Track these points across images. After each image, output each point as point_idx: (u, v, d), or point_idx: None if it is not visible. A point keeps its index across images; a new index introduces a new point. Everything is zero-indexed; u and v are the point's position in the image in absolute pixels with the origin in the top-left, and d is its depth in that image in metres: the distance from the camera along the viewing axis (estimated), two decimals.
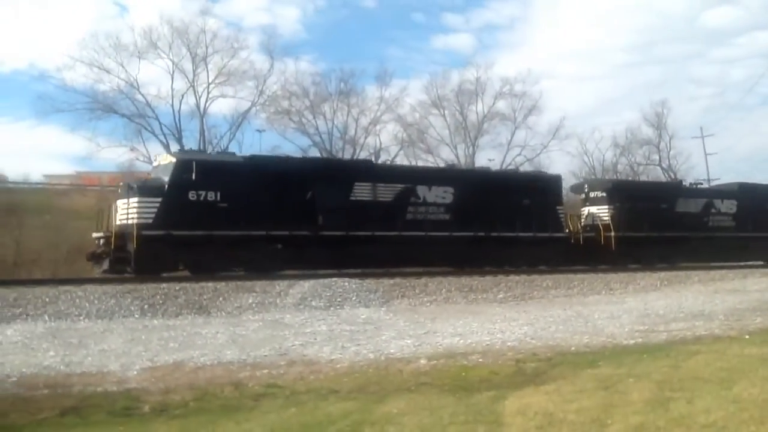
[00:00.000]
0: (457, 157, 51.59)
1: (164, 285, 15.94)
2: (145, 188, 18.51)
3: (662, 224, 26.51)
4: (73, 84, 42.00)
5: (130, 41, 43.34)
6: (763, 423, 5.59)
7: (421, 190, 22.09)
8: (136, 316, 14.20)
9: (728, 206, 29.83)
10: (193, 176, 18.33)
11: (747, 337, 11.22)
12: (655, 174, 61.75)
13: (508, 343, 10.95)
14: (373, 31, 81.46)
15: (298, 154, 40.74)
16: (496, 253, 22.82)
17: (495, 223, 22.57)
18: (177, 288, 15.78)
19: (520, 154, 53.60)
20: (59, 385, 7.87)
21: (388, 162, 40.68)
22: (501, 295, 18.91)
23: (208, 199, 18.49)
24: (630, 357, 9.30)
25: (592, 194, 27.56)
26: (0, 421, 6.52)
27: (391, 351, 10.27)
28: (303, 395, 7.46)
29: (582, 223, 26.61)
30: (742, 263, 28.96)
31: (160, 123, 43.70)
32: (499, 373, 8.47)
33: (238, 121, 46.46)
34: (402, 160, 47.10)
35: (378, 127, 50.25)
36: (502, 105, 53.83)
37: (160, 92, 44.70)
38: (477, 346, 10.63)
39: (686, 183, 35.12)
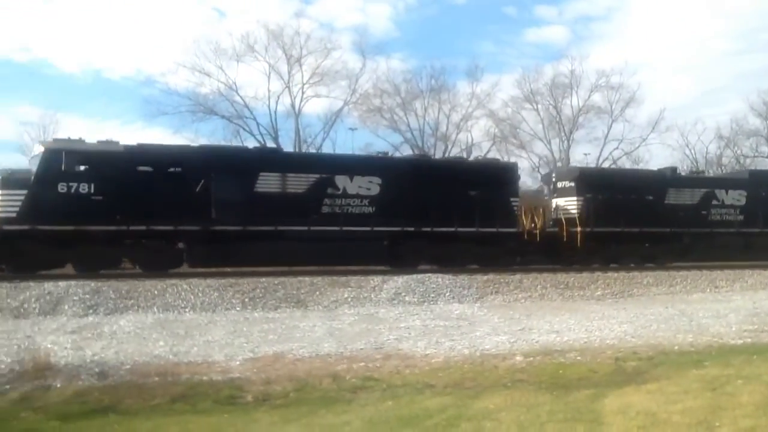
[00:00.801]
0: (552, 152, 50.65)
1: (264, 279, 16.47)
2: (9, 180, 17.41)
3: (646, 218, 22.91)
4: (176, 88, 44.08)
5: (228, 45, 44.95)
6: None
7: (341, 181, 19.77)
8: (238, 308, 14.74)
9: (735, 197, 25.24)
10: (63, 167, 17.06)
11: None
12: (764, 167, 58.37)
13: (607, 341, 10.69)
14: (464, 27, 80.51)
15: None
16: (431, 251, 20.54)
17: (430, 216, 20.01)
18: (276, 282, 16.26)
19: (617, 148, 51.94)
20: (168, 373, 8.28)
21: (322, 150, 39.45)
22: (599, 292, 18.44)
23: (80, 191, 17.14)
24: (738, 357, 8.90)
25: (559, 184, 23.91)
26: (117, 406, 6.94)
27: (486, 347, 10.23)
28: (399, 389, 7.55)
29: (552, 217, 23.34)
30: (752, 263, 23.91)
31: (257, 123, 45.15)
32: (597, 372, 8.30)
33: (332, 120, 47.31)
34: (494, 156, 46.54)
35: (469, 123, 49.90)
36: (597, 98, 52.25)
37: (257, 94, 46.22)
38: (574, 344, 10.43)
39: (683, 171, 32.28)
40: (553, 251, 22.22)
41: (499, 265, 20.31)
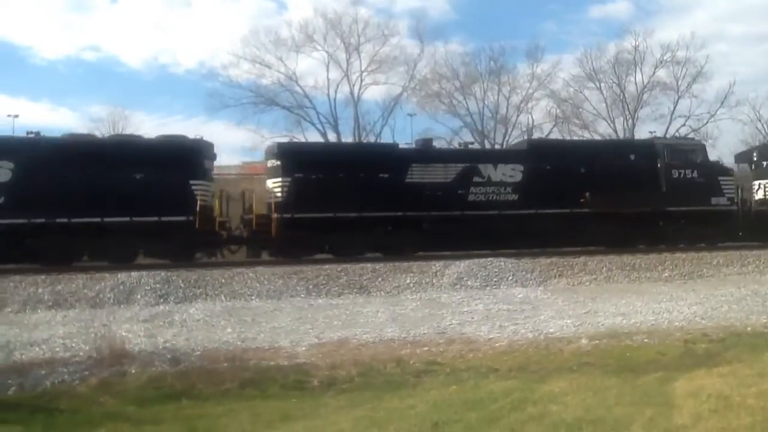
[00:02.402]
0: (615, 131, 49.34)
1: (327, 266, 16.67)
2: None
3: (367, 200, 19.25)
4: (238, 80, 44.86)
5: (287, 36, 45.49)
6: None
7: None
8: (302, 295, 14.98)
9: (506, 173, 20.80)
10: None
11: None
12: None
13: (676, 323, 10.45)
14: (524, 7, 79.00)
15: (447, 136, 40.71)
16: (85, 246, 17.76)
17: (75, 206, 17.09)
18: (339, 269, 16.44)
19: (684, 125, 50.22)
20: (237, 359, 8.51)
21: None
22: (666, 274, 17.96)
23: None
24: None
25: (269, 164, 20.97)
26: (189, 390, 7.19)
27: (551, 330, 10.14)
28: (463, 373, 7.58)
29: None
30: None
31: (317, 112, 45.63)
32: (666, 354, 8.14)
33: (390, 106, 47.37)
34: (556, 136, 45.75)
35: (530, 105, 49.13)
36: (663, 74, 50.55)
37: (317, 83, 46.74)
38: (642, 326, 10.23)
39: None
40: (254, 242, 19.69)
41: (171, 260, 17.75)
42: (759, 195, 23.83)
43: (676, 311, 11.70)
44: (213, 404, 6.76)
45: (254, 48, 44.83)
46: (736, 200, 22.83)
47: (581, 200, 20.75)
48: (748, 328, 9.80)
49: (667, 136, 47.96)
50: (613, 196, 20.77)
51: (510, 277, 16.69)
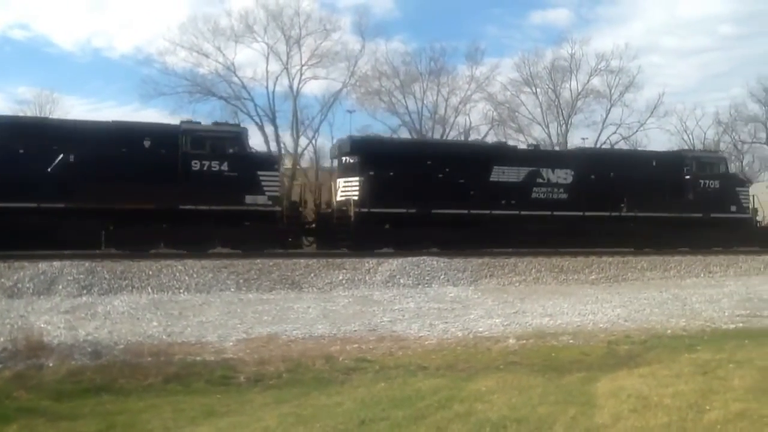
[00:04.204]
0: (549, 136, 50.42)
1: (258, 261, 16.44)
2: None
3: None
4: (174, 68, 43.64)
5: (227, 25, 44.51)
6: None
7: None
8: (232, 290, 14.73)
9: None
10: None
11: None
12: (761, 153, 58.45)
13: (600, 325, 10.72)
14: (468, 8, 79.83)
15: (386, 134, 40.89)
16: None
17: None
18: (271, 264, 16.24)
19: (615, 132, 51.79)
20: (162, 353, 8.27)
21: None
22: (593, 276, 18.48)
23: None
24: (731, 342, 8.93)
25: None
26: (110, 385, 6.94)
27: (480, 330, 10.26)
28: (392, 370, 7.56)
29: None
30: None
31: (255, 104, 44.72)
32: (590, 355, 8.33)
33: (330, 101, 47.04)
34: (492, 140, 46.45)
35: (468, 107, 49.68)
36: (597, 82, 52.02)
37: (256, 74, 45.83)
38: (567, 327, 10.46)
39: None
40: None
41: None
42: (340, 196, 20.81)
43: (601, 313, 12.02)
44: (134, 399, 6.53)
45: (192, 36, 43.66)
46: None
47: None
48: (668, 331, 10.14)
49: (599, 143, 49.76)
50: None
51: (442, 276, 16.84)
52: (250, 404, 6.36)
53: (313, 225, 20.39)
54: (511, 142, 43.68)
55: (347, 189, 20.43)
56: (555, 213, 21.82)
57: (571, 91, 51.64)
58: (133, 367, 7.53)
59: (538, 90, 51.80)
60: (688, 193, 23.87)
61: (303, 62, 45.63)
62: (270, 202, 18.59)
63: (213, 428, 5.63)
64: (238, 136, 19.20)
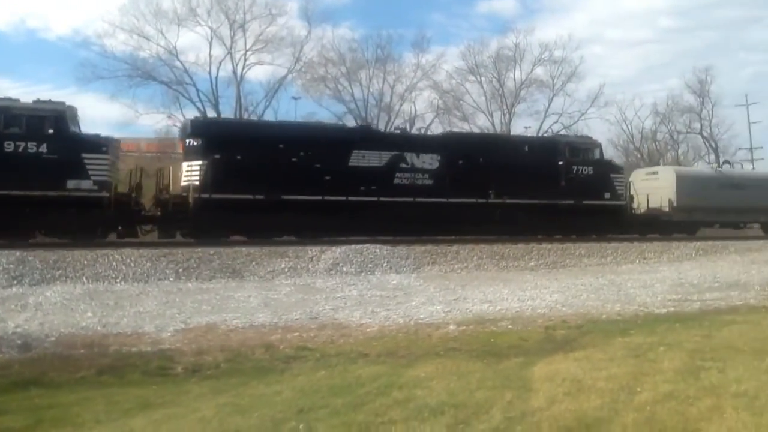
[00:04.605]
0: (493, 124, 51.11)
1: (199, 249, 16.17)
2: None
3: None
4: (113, 51, 42.40)
5: (169, 8, 43.50)
6: None
7: None
8: (171, 279, 14.46)
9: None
10: None
11: None
12: (695, 143, 60.48)
13: (539, 311, 10.92)
14: None
15: (332, 122, 40.71)
16: None
17: None
18: (211, 252, 15.99)
19: (557, 122, 52.84)
20: (96, 344, 8.06)
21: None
22: (533, 263, 18.82)
23: None
24: (662, 326, 9.21)
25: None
26: (40, 378, 6.71)
27: (421, 316, 10.32)
28: (333, 358, 7.54)
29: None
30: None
31: (197, 90, 44.04)
32: (528, 340, 8.47)
33: (274, 87, 46.54)
34: (437, 128, 46.78)
35: (414, 95, 49.92)
36: (540, 71, 52.96)
37: (198, 59, 45.17)
38: (507, 313, 10.62)
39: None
40: None
41: None
42: (183, 181, 19.43)
43: (540, 299, 12.24)
44: (65, 392, 6.33)
45: (133, 18, 42.59)
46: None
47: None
48: (603, 316, 10.40)
49: (541, 132, 50.60)
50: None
51: (385, 264, 16.88)
52: (187, 395, 6.24)
53: (158, 213, 19.03)
54: (455, 130, 44.37)
55: (189, 174, 19.23)
56: (418, 200, 21.05)
57: (515, 80, 52.53)
58: (64, 360, 7.31)
59: (482, 79, 52.50)
60: (561, 180, 23.51)
61: (247, 47, 45.18)
62: (96, 188, 17.27)
63: (147, 420, 5.50)
64: (61, 116, 17.41)
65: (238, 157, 19.04)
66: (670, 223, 27.21)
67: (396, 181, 21.15)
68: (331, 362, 7.36)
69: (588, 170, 24.03)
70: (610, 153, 55.47)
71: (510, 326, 9.47)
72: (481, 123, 50.87)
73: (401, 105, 49.59)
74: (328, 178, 20.00)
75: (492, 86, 52.56)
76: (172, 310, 10.70)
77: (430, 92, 50.96)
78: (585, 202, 23.41)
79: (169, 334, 8.84)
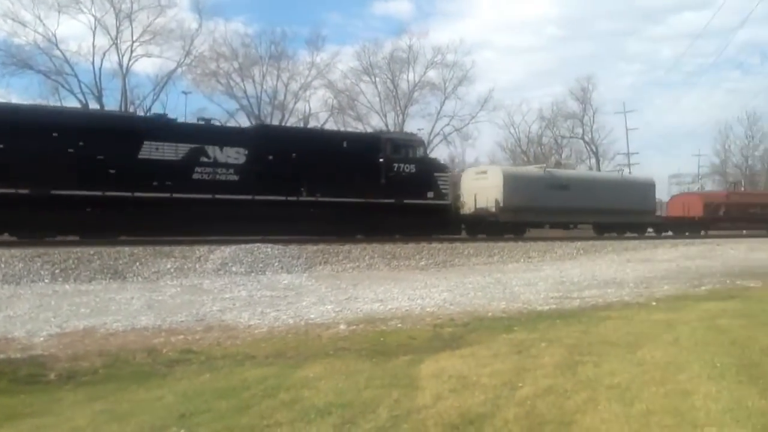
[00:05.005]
0: (387, 125, 51.65)
1: (77, 249, 15.36)
2: None
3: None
4: None
5: None
6: (663, 384, 5.84)
7: None
8: (46, 280, 13.66)
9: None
10: None
11: (654, 303, 11.72)
12: (578, 147, 63.65)
13: (428, 309, 11.08)
14: None
15: (222, 118, 39.80)
16: None
17: None
18: (92, 252, 15.24)
19: (448, 124, 54.13)
20: None
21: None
22: (423, 262, 19.14)
23: None
24: (544, 322, 9.56)
25: None
26: None
27: (311, 316, 10.23)
28: (219, 361, 7.33)
29: None
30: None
31: (79, 81, 41.93)
32: (416, 338, 8.56)
33: (163, 81, 45.01)
34: (331, 127, 46.74)
35: (308, 93, 49.70)
36: (433, 74, 54.09)
37: (81, 49, 42.98)
38: (397, 312, 10.71)
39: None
40: None
41: None
42: None
43: (429, 297, 12.44)
44: None
45: (8, 1, 39.89)
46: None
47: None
48: (489, 313, 10.68)
49: (433, 134, 51.62)
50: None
51: (276, 264, 16.68)
52: (59, 403, 5.88)
53: None
54: (349, 129, 44.53)
55: None
56: (218, 196, 19.63)
57: (408, 82, 53.45)
58: None
59: (377, 79, 53.06)
60: (381, 178, 22.63)
61: (134, 38, 43.42)
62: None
63: (14, 431, 5.14)
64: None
65: (1, 146, 17.08)
66: (497, 224, 26.87)
67: (195, 176, 19.60)
68: (216, 365, 7.15)
69: (410, 168, 23.18)
70: (498, 156, 57.67)
71: (399, 325, 9.55)
72: (375, 123, 51.39)
73: (295, 103, 49.41)
74: (112, 171, 18.24)
75: (386, 87, 53.33)
76: (47, 314, 10.09)
77: (325, 91, 51.05)
78: (407, 201, 22.66)
79: (41, 339, 8.32)
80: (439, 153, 55.72)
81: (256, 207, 20.00)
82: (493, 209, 27.18)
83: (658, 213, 38.71)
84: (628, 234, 32.05)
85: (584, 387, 5.83)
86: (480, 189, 27.53)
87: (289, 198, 20.86)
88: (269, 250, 17.28)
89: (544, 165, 34.01)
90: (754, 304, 11.27)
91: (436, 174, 23.95)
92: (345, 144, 23.17)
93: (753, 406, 5.17)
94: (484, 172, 30.09)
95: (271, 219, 20.03)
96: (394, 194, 22.44)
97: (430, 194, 23.40)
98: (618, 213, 31.51)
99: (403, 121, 52.70)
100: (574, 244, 24.21)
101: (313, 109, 50.27)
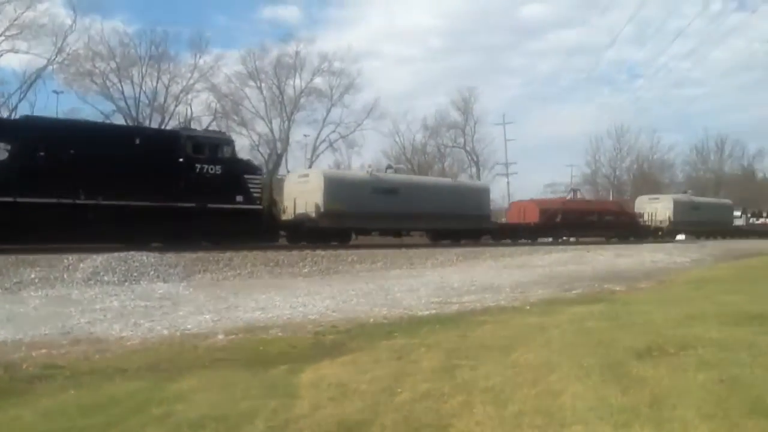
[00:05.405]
0: (272, 131, 51.14)
1: None
2: None
3: None
4: None
5: None
6: (535, 385, 6.05)
7: None
8: None
9: None
10: None
11: (528, 307, 12.18)
12: (460, 156, 65.47)
13: (309, 317, 10.97)
14: None
15: (98, 119, 37.97)
16: None
17: None
18: None
19: (334, 131, 54.22)
20: None
21: None
22: (306, 270, 18.99)
23: None
24: (424, 327, 9.68)
25: None
26: None
27: (188, 327, 9.87)
28: (85, 376, 6.90)
29: None
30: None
31: None
32: (297, 347, 8.43)
33: (32, 79, 42.35)
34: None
35: (190, 96, 48.32)
36: (319, 81, 54.04)
37: None
38: (278, 320, 10.53)
39: None
40: None
41: None
42: None
43: (311, 305, 12.33)
44: None
45: None
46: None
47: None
48: (371, 320, 10.71)
49: (319, 140, 51.48)
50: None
51: (152, 272, 16.02)
52: None
53: None
54: (234, 135, 43.58)
55: None
56: None
57: (294, 88, 53.13)
58: None
59: (263, 85, 52.41)
60: (181, 179, 20.70)
61: (0, 32, 40.56)
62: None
63: None
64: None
65: None
66: (317, 230, 25.74)
67: None
68: (83, 380, 6.72)
69: (216, 169, 21.26)
70: (383, 164, 58.37)
71: (280, 333, 9.39)
72: (260, 129, 50.70)
73: (176, 106, 47.99)
74: None
75: (272, 93, 52.88)
76: None
77: (208, 95, 49.83)
78: (210, 205, 20.85)
79: None
80: (326, 160, 55.85)
81: (21, 211, 17.53)
82: (313, 214, 25.99)
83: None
84: (464, 241, 31.52)
85: (461, 390, 5.93)
86: (300, 193, 26.44)
87: (63, 200, 18.33)
88: (144, 258, 16.57)
89: (371, 169, 32.87)
90: (619, 307, 11.95)
91: (246, 176, 22.25)
92: (137, 141, 20.76)
93: (615, 404, 5.44)
94: (306, 176, 29.00)
95: (40, 225, 17.68)
96: (195, 197, 20.63)
97: (240, 198, 21.74)
98: (451, 219, 31.05)
99: (289, 127, 52.48)
100: (455, 250, 24.85)
101: (195, 113, 48.96)
